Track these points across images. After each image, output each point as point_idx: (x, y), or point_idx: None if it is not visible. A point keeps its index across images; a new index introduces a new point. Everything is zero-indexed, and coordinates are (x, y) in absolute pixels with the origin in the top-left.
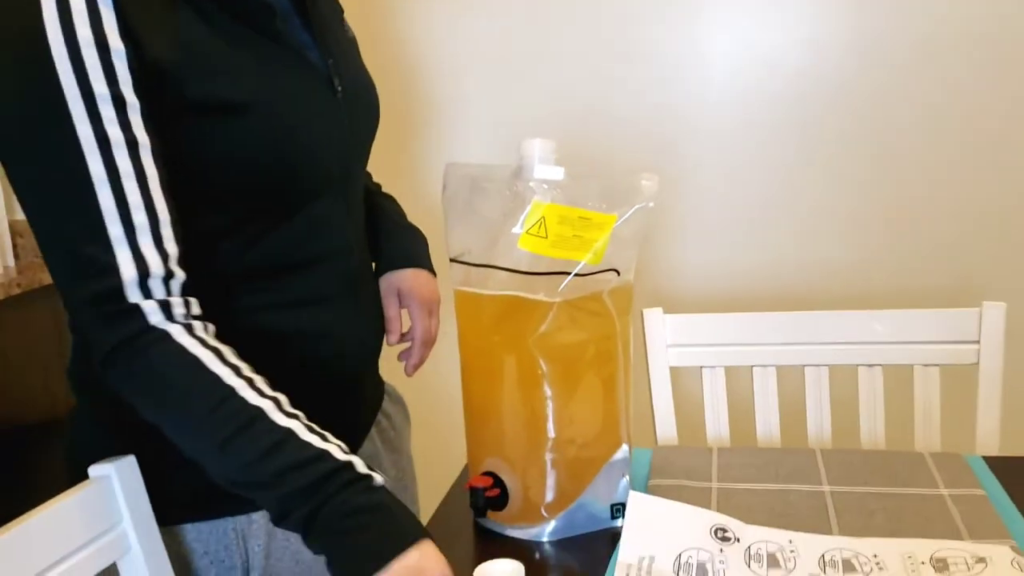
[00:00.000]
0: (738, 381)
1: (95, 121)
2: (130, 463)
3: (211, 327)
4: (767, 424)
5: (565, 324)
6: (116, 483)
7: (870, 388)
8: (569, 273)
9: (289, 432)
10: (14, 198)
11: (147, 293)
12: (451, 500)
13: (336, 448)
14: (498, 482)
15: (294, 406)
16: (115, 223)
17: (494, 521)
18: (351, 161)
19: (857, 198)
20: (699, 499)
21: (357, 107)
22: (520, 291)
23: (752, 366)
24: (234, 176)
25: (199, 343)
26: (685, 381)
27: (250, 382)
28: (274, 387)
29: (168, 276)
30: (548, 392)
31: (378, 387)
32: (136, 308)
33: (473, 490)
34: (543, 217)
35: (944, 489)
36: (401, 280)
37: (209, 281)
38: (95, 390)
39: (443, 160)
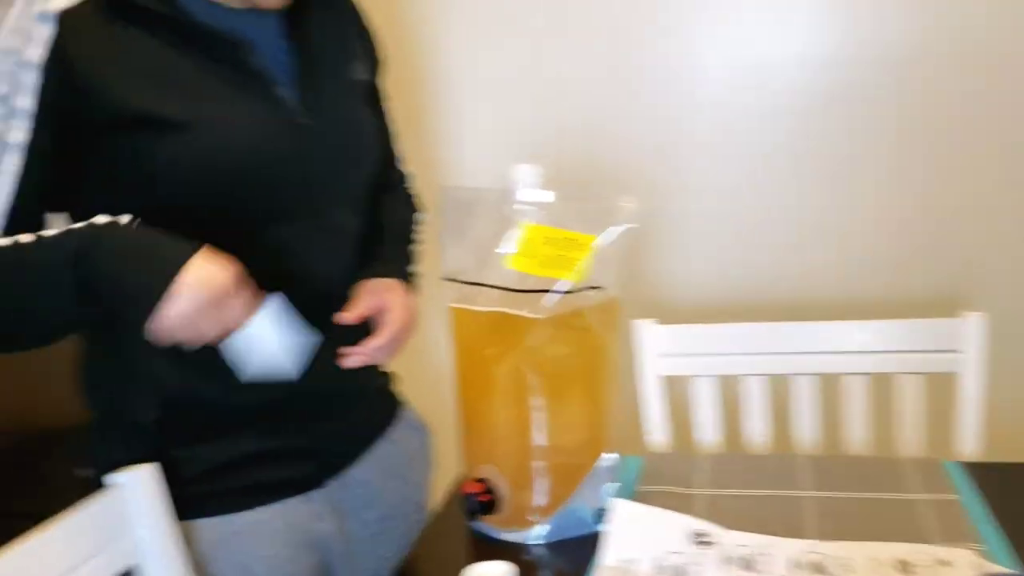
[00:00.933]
0: (729, 390)
1: None
2: (147, 472)
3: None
4: (757, 433)
5: (551, 339)
6: (131, 492)
7: (857, 396)
8: (553, 290)
9: (37, 237)
10: None
11: None
12: (446, 506)
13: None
14: (490, 488)
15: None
16: None
17: (487, 525)
18: (316, 196)
19: (845, 209)
20: (685, 505)
21: (330, 144)
22: (508, 308)
23: (742, 375)
24: (175, 192)
25: None
26: (678, 390)
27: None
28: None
29: None
30: (536, 403)
31: (378, 407)
32: None
33: (466, 495)
34: (530, 237)
35: (919, 494)
36: (378, 283)
37: None
38: (104, 397)
39: (438, 173)
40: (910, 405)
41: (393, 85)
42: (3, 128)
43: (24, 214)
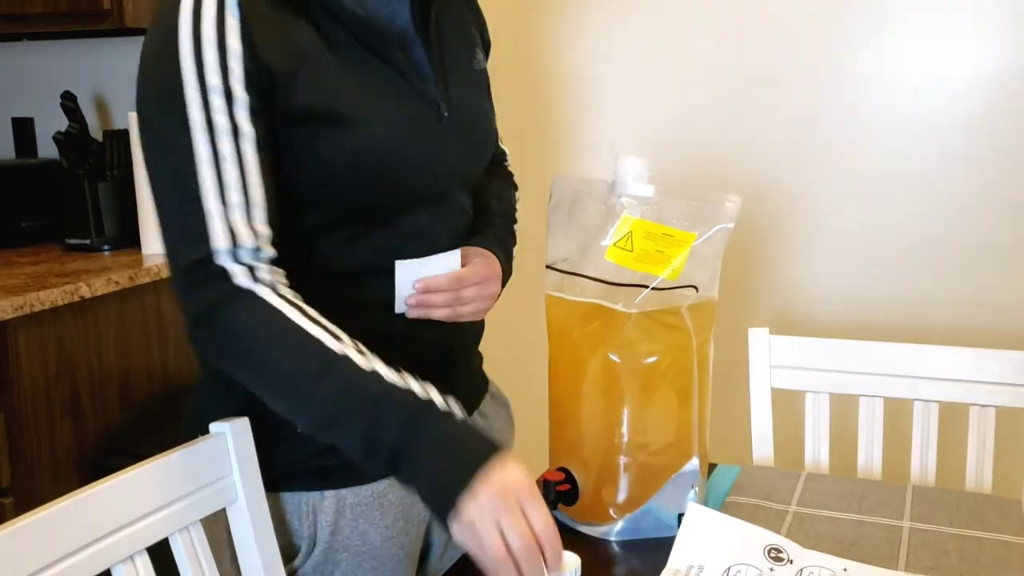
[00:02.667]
0: (844, 409)
1: (206, 109)
2: (244, 424)
3: (296, 294)
4: (869, 456)
5: (642, 335)
6: (230, 440)
7: (978, 429)
8: (648, 286)
9: (374, 372)
10: None
11: (236, 259)
12: None
13: (417, 386)
14: (569, 478)
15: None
16: (213, 199)
17: (565, 515)
18: (447, 183)
19: (984, 233)
20: (772, 520)
21: (462, 135)
22: (603, 300)
23: (858, 395)
24: (331, 182)
25: (283, 300)
26: (791, 404)
27: (332, 333)
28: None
29: (257, 249)
30: (624, 397)
31: (475, 384)
32: (223, 270)
33: (546, 483)
34: (631, 231)
35: None
36: (473, 248)
37: (305, 278)
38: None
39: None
40: None
41: (517, 72)
42: (231, 119)
43: (274, 210)
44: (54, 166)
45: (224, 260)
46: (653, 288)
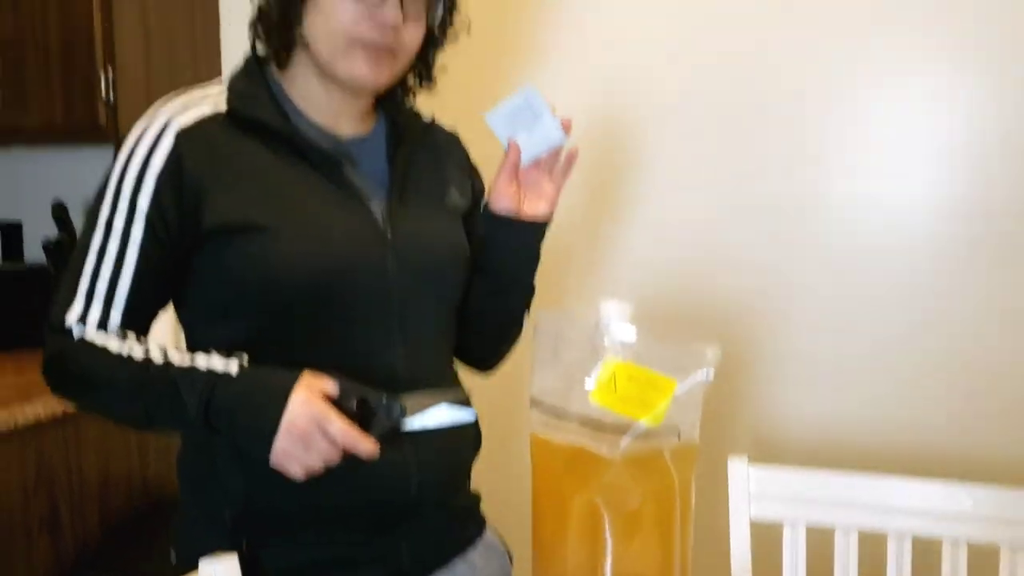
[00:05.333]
0: (822, 541)
1: (112, 211)
2: (232, 562)
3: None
4: None
5: (626, 479)
6: None
7: (955, 568)
8: (631, 431)
9: (167, 363)
10: None
11: (82, 324)
12: None
13: (205, 361)
14: None
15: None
16: (84, 283)
17: None
18: (400, 302)
19: (961, 362)
20: None
21: (410, 258)
22: (588, 442)
23: (835, 527)
24: (267, 289)
25: (105, 333)
26: (769, 535)
27: (137, 346)
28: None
29: (102, 324)
30: (607, 539)
31: (455, 528)
32: (70, 330)
33: None
34: (614, 374)
35: None
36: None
37: None
38: (199, 483)
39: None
40: None
41: None
42: (127, 225)
43: (140, 304)
44: (40, 272)
45: (73, 324)
46: (636, 435)
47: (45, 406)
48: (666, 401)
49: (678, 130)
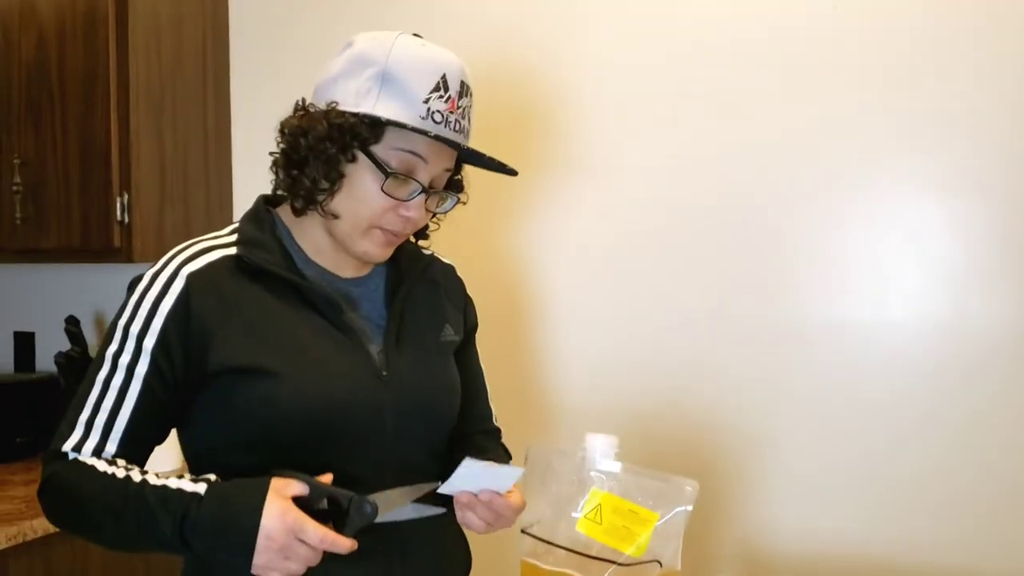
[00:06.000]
0: None
1: (120, 350)
2: None
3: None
4: None
5: None
6: None
7: None
8: (616, 562)
9: (143, 481)
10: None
11: (77, 452)
12: None
13: (178, 483)
14: None
15: None
16: (85, 415)
17: None
18: (394, 437)
19: (947, 473)
20: None
21: (405, 394)
22: (575, 571)
23: None
24: (268, 427)
25: (96, 458)
26: None
27: (121, 468)
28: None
29: (96, 453)
30: None
31: None
32: (65, 454)
33: None
34: (599, 504)
35: None
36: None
37: None
38: None
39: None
40: None
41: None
42: (133, 362)
43: (137, 438)
44: (52, 383)
45: (70, 454)
46: (620, 564)
47: None
48: (648, 533)
49: (667, 242)
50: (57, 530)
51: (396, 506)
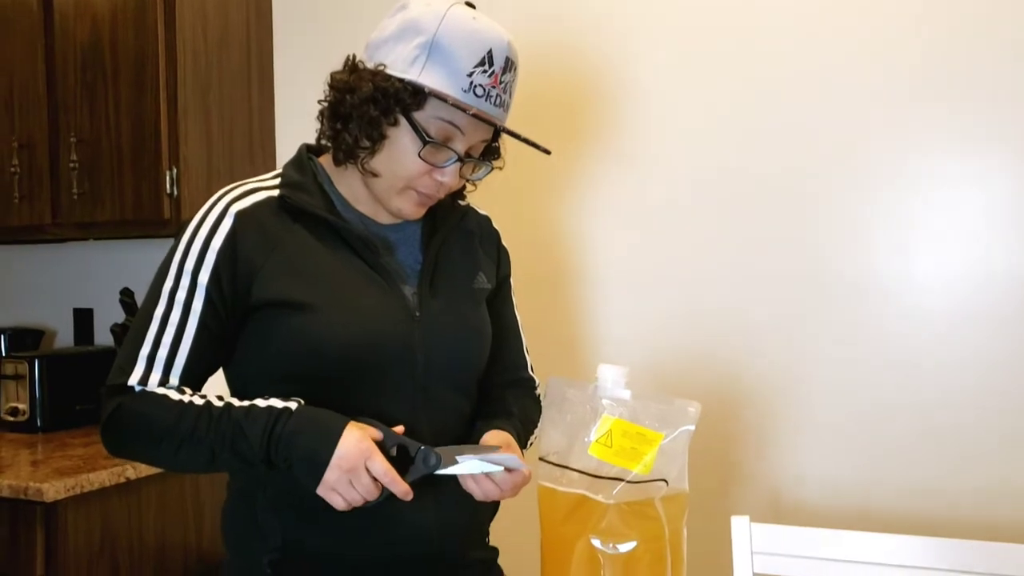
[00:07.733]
0: None
1: (175, 285)
2: None
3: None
4: None
5: (620, 523)
6: None
7: None
8: (624, 479)
9: (228, 404)
10: None
11: (143, 385)
12: None
13: (265, 402)
14: None
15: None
16: (146, 350)
17: None
18: (426, 378)
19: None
20: None
21: (436, 335)
22: (587, 491)
23: None
24: (304, 359)
25: (164, 389)
26: None
27: (196, 396)
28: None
29: (162, 386)
30: None
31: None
32: (131, 388)
33: None
34: (610, 430)
35: None
36: (502, 434)
37: None
38: (240, 533)
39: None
40: None
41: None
42: (189, 296)
43: (196, 369)
44: (109, 354)
45: (136, 388)
46: (628, 481)
47: (110, 474)
48: (653, 452)
49: (703, 199)
50: (113, 484)
51: (459, 458)
